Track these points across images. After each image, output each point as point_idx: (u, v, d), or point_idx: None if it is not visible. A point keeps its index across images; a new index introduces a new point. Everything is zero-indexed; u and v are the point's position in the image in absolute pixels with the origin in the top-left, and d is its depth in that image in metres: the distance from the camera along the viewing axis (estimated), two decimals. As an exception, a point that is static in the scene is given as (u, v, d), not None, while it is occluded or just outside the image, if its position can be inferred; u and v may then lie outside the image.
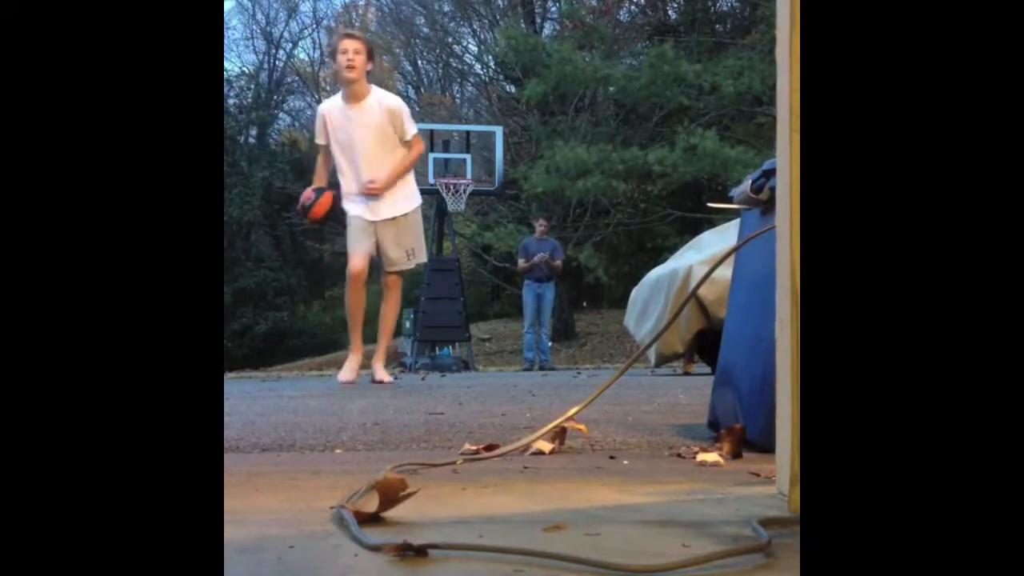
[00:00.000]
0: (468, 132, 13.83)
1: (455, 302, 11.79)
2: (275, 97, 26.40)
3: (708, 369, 7.52)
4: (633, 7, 20.31)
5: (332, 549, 1.01)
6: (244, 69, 25.98)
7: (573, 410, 2.00)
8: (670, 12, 20.37)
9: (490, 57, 22.08)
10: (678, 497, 1.38)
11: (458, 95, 25.39)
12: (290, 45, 27.66)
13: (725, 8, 20.56)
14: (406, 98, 25.76)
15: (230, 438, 2.22)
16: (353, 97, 5.16)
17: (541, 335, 11.52)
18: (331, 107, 5.30)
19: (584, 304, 20.02)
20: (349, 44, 5.08)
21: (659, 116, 17.15)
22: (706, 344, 7.24)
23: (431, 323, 11.72)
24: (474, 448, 1.93)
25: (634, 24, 19.71)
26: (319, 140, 5.31)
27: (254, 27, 27.67)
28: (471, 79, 24.06)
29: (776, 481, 1.36)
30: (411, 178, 5.46)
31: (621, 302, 11.21)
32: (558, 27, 20.25)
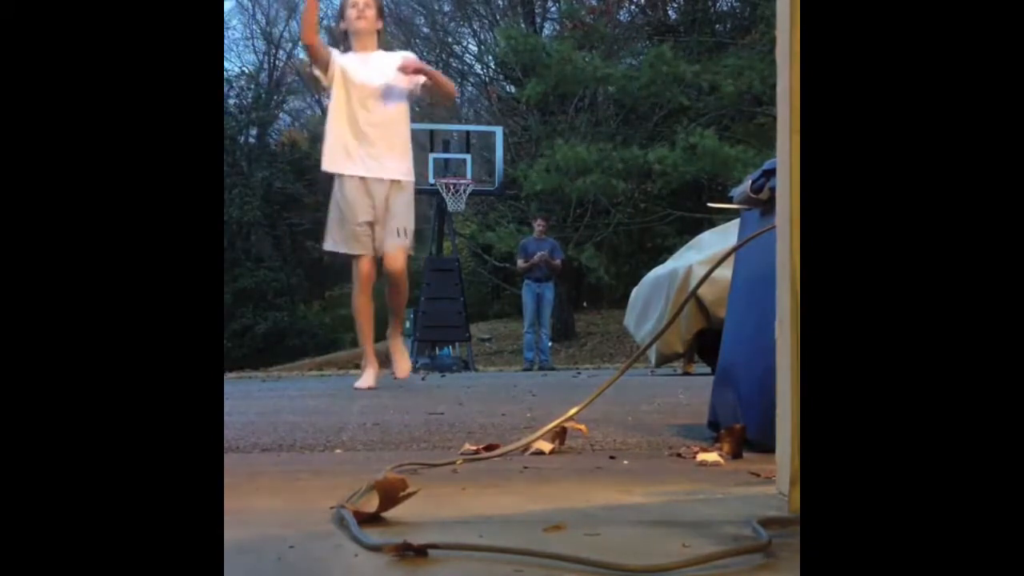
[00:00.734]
0: (468, 132, 13.83)
1: (455, 302, 11.78)
2: (275, 97, 26.38)
3: (708, 369, 7.52)
4: (633, 7, 20.30)
5: (332, 549, 1.01)
6: (244, 69, 25.98)
7: (573, 410, 2.00)
8: (670, 12, 20.37)
9: (490, 57, 22.08)
10: (678, 497, 1.38)
11: (458, 95, 25.38)
12: (290, 45, 27.65)
13: (725, 8, 20.56)
14: (406, 98, 25.78)
15: (230, 438, 2.22)
16: (364, 50, 4.80)
17: (541, 335, 11.52)
18: (340, 55, 4.85)
19: (584, 304, 20.02)
20: None
21: (659, 116, 17.15)
22: (706, 344, 7.23)
23: (431, 323, 11.71)
24: (474, 448, 1.93)
25: (634, 24, 19.70)
26: (323, 58, 4.71)
27: (254, 27, 27.67)
28: (471, 79, 24.05)
29: (776, 481, 1.36)
30: (410, 146, 4.95)
31: (621, 302, 11.21)
32: (558, 27, 20.25)
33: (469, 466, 1.75)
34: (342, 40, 4.98)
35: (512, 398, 4.00)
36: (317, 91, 4.77)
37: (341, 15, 5.01)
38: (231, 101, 23.67)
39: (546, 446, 1.95)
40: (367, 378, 4.78)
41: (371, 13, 4.84)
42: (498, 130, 13.47)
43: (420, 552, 0.94)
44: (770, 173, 1.93)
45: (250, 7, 27.50)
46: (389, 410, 3.23)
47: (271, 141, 25.72)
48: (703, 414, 2.37)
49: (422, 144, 13.67)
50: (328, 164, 4.73)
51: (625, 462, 1.83)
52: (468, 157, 12.75)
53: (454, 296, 11.79)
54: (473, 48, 23.48)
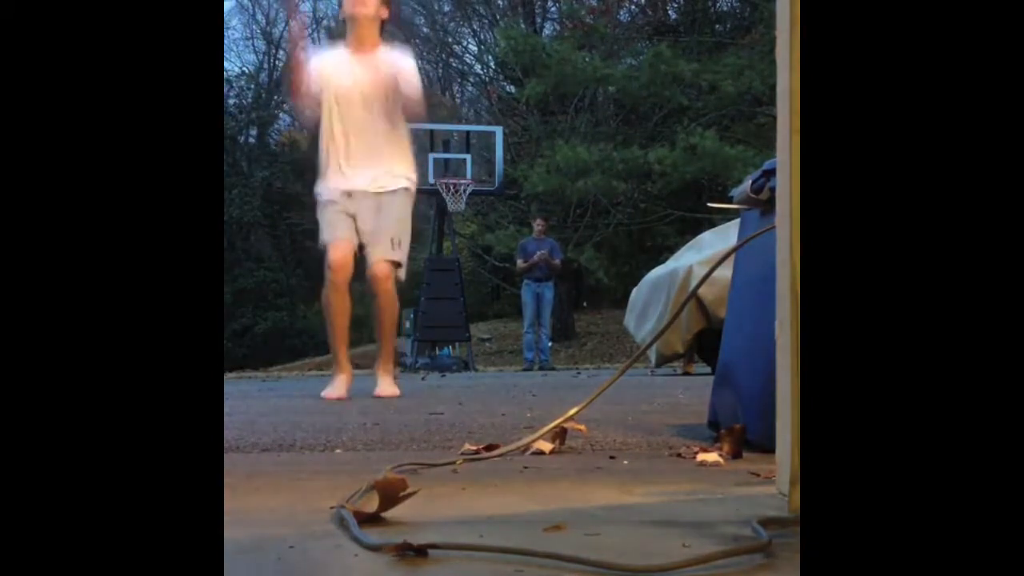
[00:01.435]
0: (468, 132, 13.84)
1: (455, 302, 11.79)
2: (275, 97, 26.38)
3: (708, 369, 7.52)
4: (633, 7, 20.31)
5: (332, 549, 1.01)
6: (244, 69, 25.98)
7: (573, 410, 2.00)
8: (670, 12, 20.37)
9: (490, 57, 22.09)
10: (678, 497, 1.38)
11: (458, 95, 25.39)
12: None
13: (725, 8, 20.56)
14: (406, 98, 25.76)
15: (230, 438, 2.22)
16: (360, 43, 4.30)
17: (541, 335, 11.53)
18: (327, 58, 4.41)
19: (584, 304, 20.02)
20: None
21: (659, 116, 17.16)
22: (706, 344, 7.24)
23: (431, 323, 11.72)
24: (474, 448, 1.93)
25: (634, 24, 19.71)
26: (311, 90, 4.28)
27: (254, 27, 27.66)
28: (471, 79, 24.07)
29: (776, 481, 1.36)
30: (408, 149, 4.49)
31: (621, 302, 11.21)
32: (558, 27, 20.26)
33: (469, 466, 1.75)
34: (341, 31, 4.52)
35: (512, 398, 4.00)
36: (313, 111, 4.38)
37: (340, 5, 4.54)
38: (231, 101, 23.67)
39: (546, 446, 1.95)
40: (336, 387, 4.24)
41: (373, 1, 4.31)
42: (498, 130, 13.48)
43: (420, 552, 0.94)
44: (770, 173, 1.93)
45: (250, 7, 27.52)
46: (389, 410, 3.23)
47: (271, 141, 25.71)
48: (703, 414, 2.37)
49: (422, 144, 13.67)
50: (320, 181, 4.36)
51: (625, 462, 1.83)
52: (468, 157, 12.77)
53: (454, 296, 11.80)
54: (473, 48, 23.50)
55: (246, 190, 22.51)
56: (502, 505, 1.31)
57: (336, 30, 4.57)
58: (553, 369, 11.09)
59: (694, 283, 7.01)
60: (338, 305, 4.27)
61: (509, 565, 0.91)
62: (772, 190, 1.81)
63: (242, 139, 24.38)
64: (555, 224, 15.63)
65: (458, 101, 24.80)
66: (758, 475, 1.57)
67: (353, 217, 4.29)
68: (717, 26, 19.40)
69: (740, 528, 1.09)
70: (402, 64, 4.32)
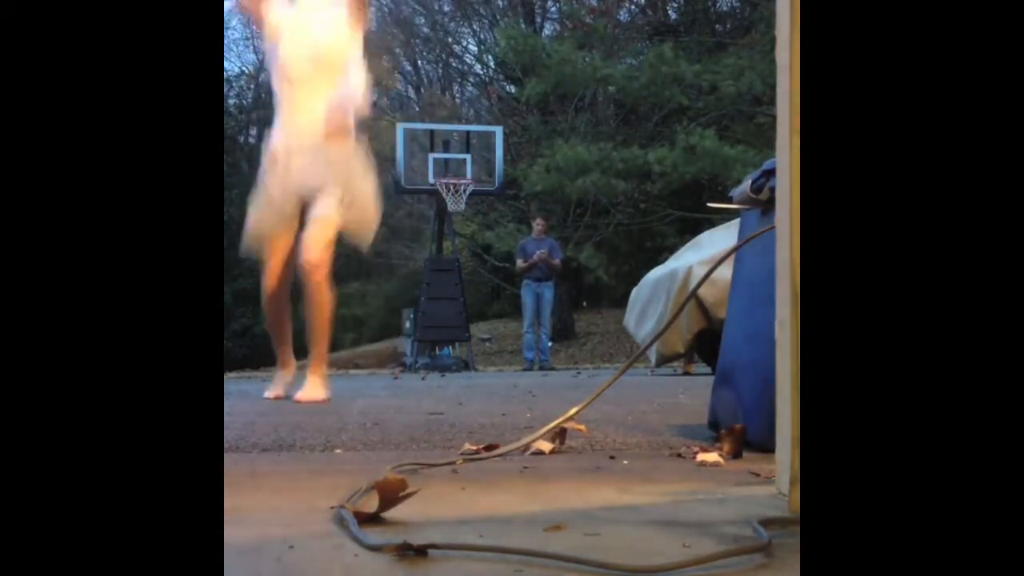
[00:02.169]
0: (468, 132, 13.83)
1: (455, 302, 11.79)
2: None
3: (708, 369, 7.52)
4: (633, 7, 20.30)
5: (332, 549, 1.01)
6: (244, 69, 25.96)
7: (573, 410, 2.00)
8: (670, 12, 20.37)
9: (490, 57, 22.09)
10: (678, 497, 1.38)
11: (458, 95, 25.39)
12: (290, 45, 27.59)
13: (725, 8, 20.55)
14: (406, 98, 25.80)
15: (230, 438, 2.22)
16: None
17: (541, 335, 11.52)
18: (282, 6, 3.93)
19: (584, 304, 20.01)
20: None
21: (659, 116, 17.15)
22: (706, 344, 7.24)
23: (431, 323, 11.72)
24: (474, 448, 1.93)
25: (634, 24, 19.70)
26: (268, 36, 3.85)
27: (254, 27, 27.62)
28: (471, 79, 24.07)
29: (776, 481, 1.36)
30: (352, 140, 3.91)
31: (621, 302, 11.21)
32: (558, 27, 20.25)
33: (469, 466, 1.75)
34: None
35: (512, 398, 4.00)
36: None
37: None
38: (231, 101, 23.65)
39: (546, 446, 1.95)
40: (276, 385, 4.02)
41: None
42: (498, 130, 13.47)
43: (420, 552, 0.94)
44: (770, 173, 1.93)
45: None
46: (389, 410, 3.23)
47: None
48: (703, 414, 2.37)
49: (422, 144, 13.68)
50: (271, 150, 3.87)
51: (625, 462, 1.83)
52: (468, 157, 12.76)
53: (454, 296, 11.80)
54: (473, 48, 23.50)
55: (246, 190, 22.47)
56: (502, 505, 1.31)
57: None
58: (553, 369, 11.09)
59: (694, 283, 7.02)
60: (279, 312, 4.02)
61: (509, 565, 0.91)
62: (772, 190, 1.81)
63: (242, 139, 24.35)
64: (555, 223, 15.63)
65: (458, 101, 24.80)
66: (758, 475, 1.57)
67: (293, 188, 3.82)
68: (717, 26, 19.40)
69: (740, 528, 1.09)
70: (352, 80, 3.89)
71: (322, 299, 3.85)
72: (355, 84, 3.87)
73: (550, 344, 12.09)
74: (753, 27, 16.51)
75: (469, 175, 12.50)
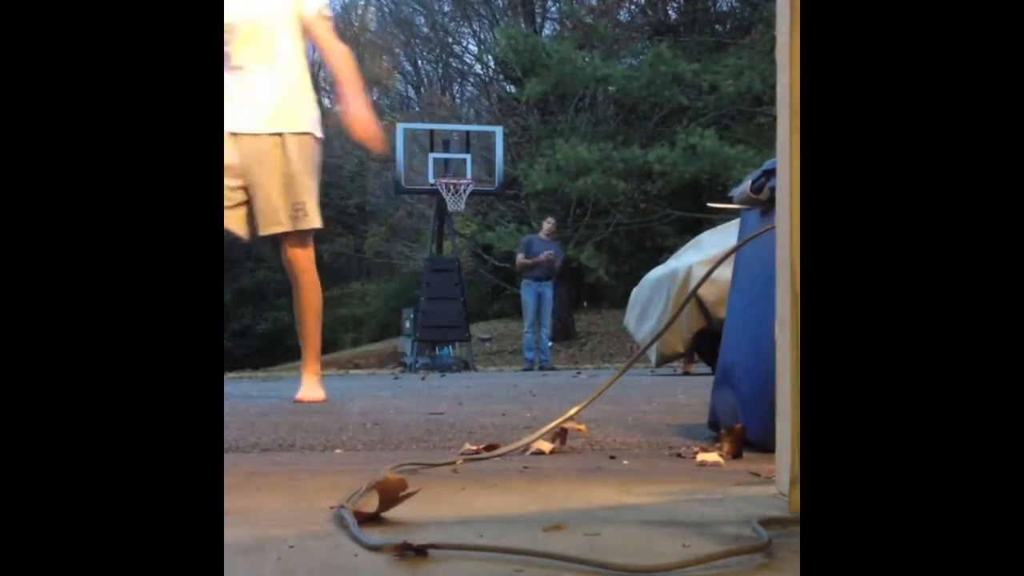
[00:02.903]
0: (468, 132, 13.84)
1: (455, 302, 11.79)
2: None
3: (708, 369, 7.53)
4: (633, 7, 20.31)
5: (332, 549, 1.01)
6: (244, 69, 25.87)
7: (573, 410, 2.00)
8: (670, 12, 20.38)
9: (490, 57, 22.10)
10: (678, 497, 1.38)
11: (458, 95, 25.39)
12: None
13: (725, 8, 20.56)
14: (406, 98, 25.79)
15: (230, 438, 2.22)
16: None
17: (541, 335, 11.52)
18: None
19: (584, 304, 20.02)
20: None
21: (659, 116, 17.17)
22: (706, 344, 7.24)
23: (431, 323, 11.72)
24: (474, 448, 1.93)
25: (634, 24, 19.71)
26: None
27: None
28: (471, 79, 24.07)
29: (776, 481, 1.36)
30: (310, 90, 3.69)
31: (621, 302, 11.21)
32: (558, 27, 20.26)
33: (469, 466, 1.75)
34: None
35: (512, 398, 4.00)
36: None
37: None
38: (231, 101, 23.60)
39: (546, 446, 1.95)
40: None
41: None
42: (498, 130, 13.48)
43: (420, 552, 0.94)
44: (770, 173, 1.93)
45: (250, 7, 27.43)
46: (389, 410, 3.23)
47: (271, 141, 25.61)
48: (703, 414, 2.37)
49: (422, 144, 13.68)
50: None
51: (625, 462, 1.83)
52: (468, 157, 12.76)
53: (454, 296, 11.80)
54: (473, 48, 23.50)
55: (245, 190, 22.47)
56: (502, 505, 1.31)
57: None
58: (553, 369, 11.09)
59: (694, 283, 7.02)
60: None
61: (509, 565, 0.91)
62: (772, 190, 1.81)
63: (242, 139, 24.31)
64: (555, 223, 15.64)
65: (458, 101, 24.80)
66: (758, 475, 1.57)
67: (241, 171, 3.52)
68: (717, 26, 19.41)
69: (740, 528, 1.09)
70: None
71: (304, 284, 3.72)
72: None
73: (550, 344, 12.10)
74: (753, 27, 16.51)
75: (469, 175, 12.51)
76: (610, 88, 16.48)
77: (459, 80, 25.08)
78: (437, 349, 12.29)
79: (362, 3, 27.46)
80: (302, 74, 3.67)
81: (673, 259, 8.65)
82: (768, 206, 1.97)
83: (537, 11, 21.11)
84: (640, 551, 0.99)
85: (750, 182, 2.04)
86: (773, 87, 1.83)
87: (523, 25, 19.36)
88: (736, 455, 1.83)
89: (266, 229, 3.60)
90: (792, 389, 1.19)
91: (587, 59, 15.75)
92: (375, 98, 25.31)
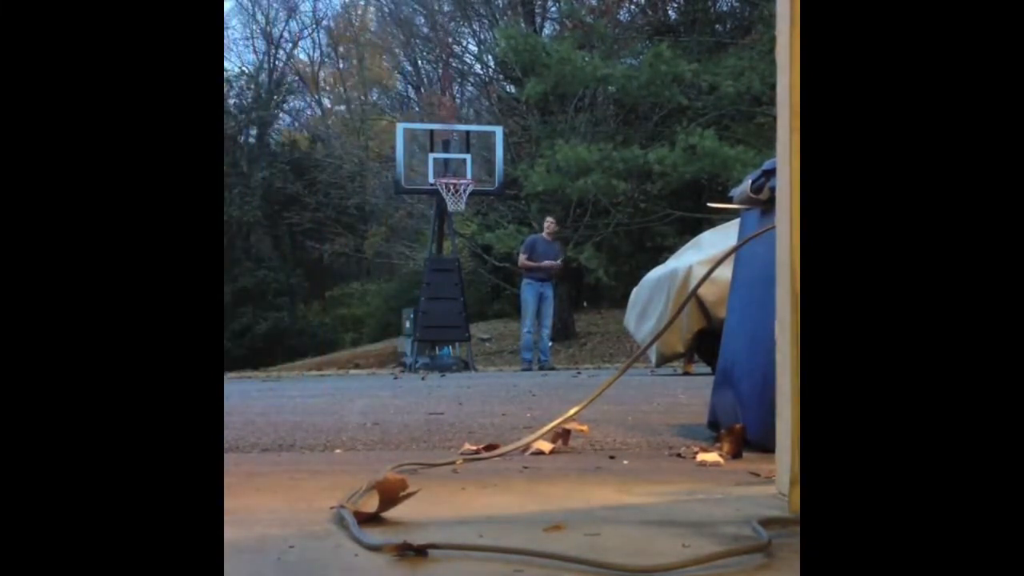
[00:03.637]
0: (468, 132, 13.82)
1: (455, 302, 11.78)
2: (275, 97, 26.36)
3: (708, 369, 7.52)
4: (633, 7, 20.30)
5: (332, 549, 1.01)
6: (244, 69, 25.95)
7: (573, 410, 2.00)
8: (670, 12, 20.37)
9: (490, 57, 22.09)
10: (678, 497, 1.38)
11: (458, 95, 25.38)
12: (290, 45, 27.63)
13: (725, 8, 20.55)
14: (406, 98, 25.79)
15: (230, 438, 2.22)
16: None
17: (542, 335, 11.51)
18: None
19: (584, 304, 20.01)
20: None
21: (659, 116, 17.15)
22: (706, 344, 7.23)
23: (431, 323, 11.71)
24: (474, 448, 1.93)
25: (634, 24, 19.70)
26: None
27: (254, 27, 27.63)
28: (471, 79, 24.07)
29: (776, 481, 1.36)
30: None
31: (621, 302, 11.20)
32: (558, 27, 20.24)
33: (469, 466, 1.75)
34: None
35: (512, 398, 4.00)
36: None
37: None
38: (231, 101, 23.65)
39: (546, 446, 1.95)
40: None
41: None
42: (498, 130, 13.46)
43: (420, 552, 0.94)
44: (770, 173, 1.93)
45: (250, 7, 27.48)
46: (389, 410, 3.23)
47: (271, 141, 25.69)
48: (703, 414, 2.37)
49: (422, 144, 13.67)
50: None
51: (625, 462, 1.83)
52: (468, 157, 12.74)
53: (454, 296, 11.79)
54: (473, 48, 23.50)
55: (246, 190, 22.51)
56: (502, 505, 1.31)
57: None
58: (553, 369, 11.08)
59: (694, 283, 7.01)
60: None
61: (509, 565, 0.91)
62: (772, 190, 1.81)
63: (242, 139, 24.35)
64: (555, 223, 15.63)
65: (458, 101, 24.79)
66: (758, 475, 1.57)
67: None
68: (717, 26, 19.39)
69: (740, 528, 1.09)
70: None
71: None
72: None
73: (550, 344, 12.09)
74: (753, 27, 16.50)
75: (469, 175, 12.50)
76: (610, 88, 16.47)
77: (459, 80, 25.07)
78: (437, 349, 12.28)
79: (362, 3, 27.47)
80: None
81: (673, 259, 8.64)
82: (768, 206, 1.96)
83: (537, 11, 21.10)
84: (640, 551, 0.99)
85: (750, 182, 2.04)
86: (773, 87, 1.83)
87: (523, 25, 19.34)
88: (736, 455, 1.83)
89: None
90: (792, 389, 1.19)
91: (587, 59, 15.73)
92: (375, 98, 25.32)
